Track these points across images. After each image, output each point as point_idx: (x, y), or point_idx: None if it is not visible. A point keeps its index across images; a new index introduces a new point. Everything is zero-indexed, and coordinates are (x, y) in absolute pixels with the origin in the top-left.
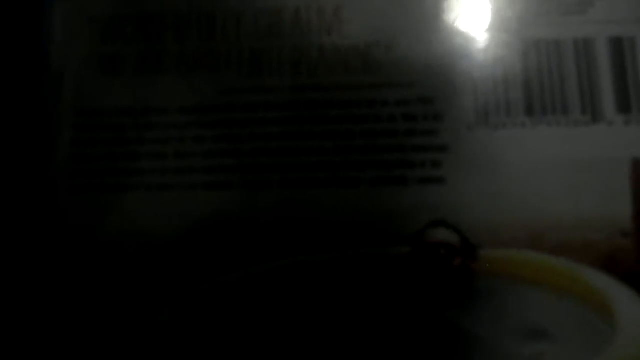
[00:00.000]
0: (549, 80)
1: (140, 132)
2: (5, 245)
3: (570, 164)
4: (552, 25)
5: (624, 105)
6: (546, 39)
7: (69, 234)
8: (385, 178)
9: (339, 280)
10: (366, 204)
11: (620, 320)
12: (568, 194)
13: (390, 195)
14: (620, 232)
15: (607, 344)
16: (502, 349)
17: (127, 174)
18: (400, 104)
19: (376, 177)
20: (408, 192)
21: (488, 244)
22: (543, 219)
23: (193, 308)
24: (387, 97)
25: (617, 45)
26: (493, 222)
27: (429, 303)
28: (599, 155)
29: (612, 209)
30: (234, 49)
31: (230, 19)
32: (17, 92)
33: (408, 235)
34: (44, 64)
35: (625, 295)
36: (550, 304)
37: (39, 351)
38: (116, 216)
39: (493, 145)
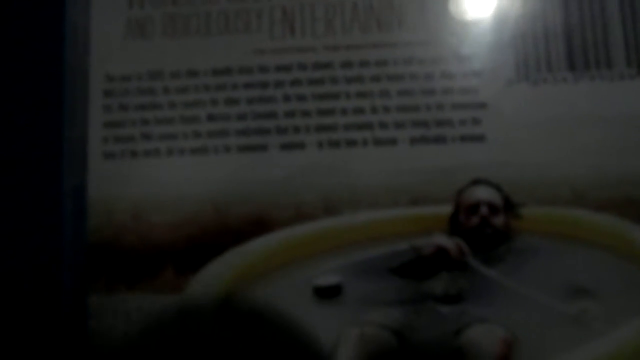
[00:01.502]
0: (591, 32)
1: (172, 95)
2: (36, 215)
3: (614, 119)
4: None
5: None
6: None
7: (103, 200)
8: (424, 137)
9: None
10: (405, 163)
11: None
12: (611, 150)
13: (430, 154)
14: None
15: None
16: (545, 306)
17: (160, 139)
18: (437, 61)
19: (414, 136)
20: (448, 151)
21: (530, 201)
22: (586, 176)
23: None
24: (424, 54)
25: None
26: (535, 180)
27: (470, 263)
28: None
29: None
30: (265, 8)
31: None
32: (44, 62)
33: (448, 195)
34: (70, 30)
35: None
36: (594, 262)
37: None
38: (149, 181)
39: (534, 102)
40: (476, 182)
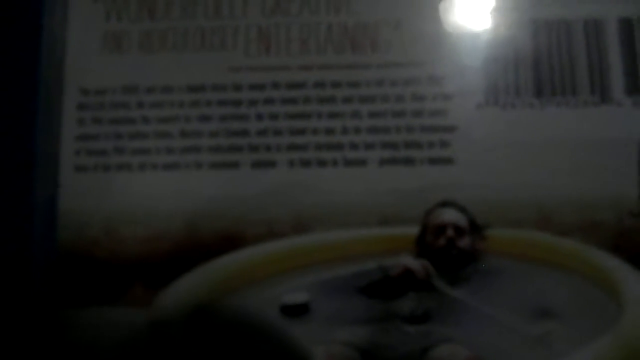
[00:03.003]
0: (558, 60)
1: (146, 110)
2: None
3: (579, 144)
4: (562, 5)
5: (632, 87)
6: (557, 19)
7: (74, 213)
8: (394, 158)
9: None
10: (374, 183)
11: (627, 300)
12: (576, 175)
13: (399, 175)
14: (629, 213)
15: (614, 323)
16: (510, 327)
17: (133, 153)
18: (409, 84)
19: (384, 157)
20: (416, 172)
21: (496, 223)
22: (551, 200)
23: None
24: (396, 76)
25: (627, 26)
26: (502, 202)
27: (435, 284)
28: (607, 135)
29: (621, 189)
30: (241, 26)
31: None
32: (18, 73)
33: (416, 216)
34: (46, 42)
35: (633, 276)
36: (558, 284)
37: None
38: (121, 195)
39: (502, 125)
40: (443, 204)
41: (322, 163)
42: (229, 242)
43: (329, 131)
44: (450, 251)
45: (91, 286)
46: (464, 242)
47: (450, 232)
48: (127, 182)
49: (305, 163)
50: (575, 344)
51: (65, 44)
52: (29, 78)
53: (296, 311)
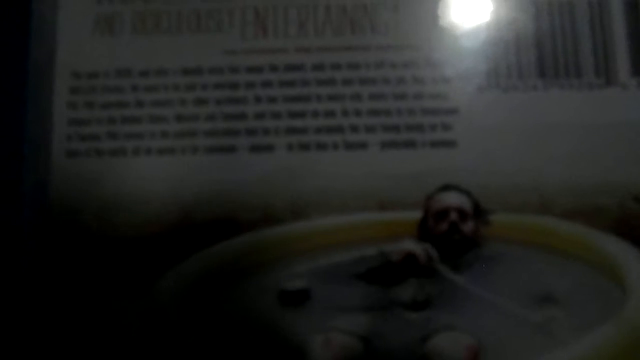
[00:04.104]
0: (562, 42)
1: (139, 94)
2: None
3: (583, 127)
4: None
5: (638, 68)
6: (559, 0)
7: (66, 199)
8: (395, 141)
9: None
10: (375, 167)
11: (630, 286)
12: (580, 158)
13: (400, 159)
14: (632, 197)
15: (618, 309)
16: (512, 314)
17: (126, 138)
18: (409, 66)
19: (385, 141)
20: (418, 156)
21: (499, 208)
22: (553, 184)
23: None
24: (396, 59)
25: (633, 6)
26: (504, 186)
27: (438, 269)
28: (612, 119)
29: (625, 173)
30: (237, 8)
31: None
32: (7, 56)
33: (418, 200)
34: (36, 25)
35: (637, 260)
36: (561, 270)
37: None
38: (114, 181)
39: (504, 108)
40: (446, 187)
41: (321, 146)
42: (226, 228)
43: (329, 114)
44: (453, 236)
45: (83, 274)
46: (467, 226)
47: (453, 216)
48: (120, 167)
49: (305, 147)
50: (578, 331)
51: (56, 27)
52: (19, 62)
53: (295, 297)
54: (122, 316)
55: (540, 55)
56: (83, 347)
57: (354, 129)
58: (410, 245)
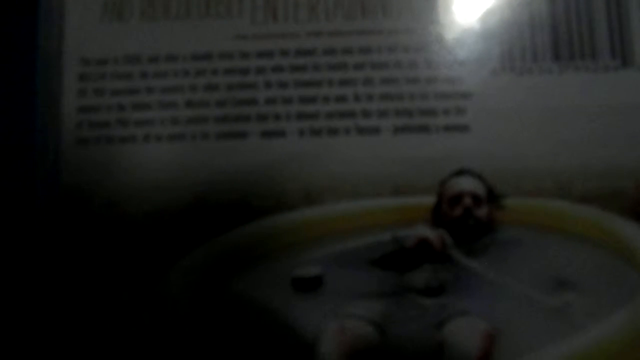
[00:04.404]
0: (577, 23)
1: (149, 80)
2: (10, 196)
3: (599, 110)
4: None
5: None
6: None
7: (76, 187)
8: (408, 126)
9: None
10: (388, 152)
11: None
12: (596, 141)
13: (413, 144)
14: None
15: (635, 294)
16: (528, 299)
17: (136, 125)
18: (421, 50)
19: (398, 125)
20: (431, 140)
21: (513, 192)
22: (570, 167)
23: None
24: (408, 42)
25: None
26: (518, 171)
27: (452, 255)
28: (628, 100)
29: None
30: None
31: None
32: (16, 43)
33: (431, 185)
34: (44, 11)
35: None
36: (578, 254)
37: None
38: (125, 168)
39: (519, 92)
40: (459, 172)
41: (333, 132)
42: (238, 214)
43: (341, 99)
44: (467, 221)
45: (96, 262)
46: (482, 211)
47: (467, 201)
48: (131, 154)
49: (316, 132)
50: (596, 316)
51: (64, 13)
52: (28, 49)
53: (309, 284)
54: (135, 304)
55: (555, 37)
56: (94, 335)
57: (366, 113)
58: (424, 231)
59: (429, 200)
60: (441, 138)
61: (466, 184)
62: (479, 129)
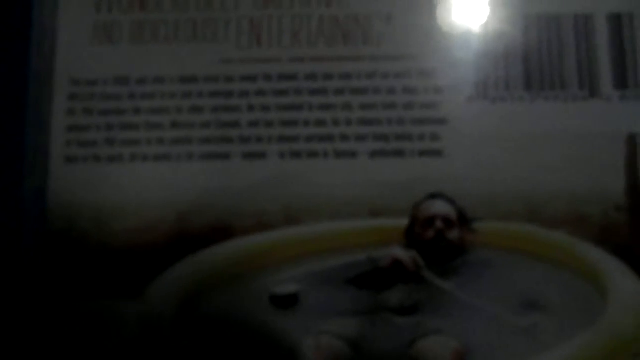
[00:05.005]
0: (548, 55)
1: (136, 101)
2: None
3: (567, 138)
4: (553, 1)
5: (620, 81)
6: (548, 14)
7: (64, 204)
8: (384, 150)
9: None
10: (365, 175)
11: (612, 293)
12: (564, 168)
13: (389, 167)
14: (615, 207)
15: (599, 316)
16: (498, 319)
17: (123, 145)
18: (400, 77)
19: (375, 150)
20: (406, 164)
21: (486, 216)
22: (539, 193)
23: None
24: (387, 69)
25: (616, 22)
26: (491, 195)
27: (425, 276)
28: (595, 130)
29: (607, 183)
30: (232, 18)
31: None
32: (8, 63)
33: (406, 208)
34: (37, 32)
35: (618, 269)
36: (545, 277)
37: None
38: (112, 187)
39: (492, 119)
40: (432, 196)
41: (313, 154)
42: (220, 233)
43: (320, 123)
44: (439, 243)
45: (81, 278)
46: (453, 234)
47: (439, 224)
48: (117, 173)
49: (296, 154)
50: (562, 336)
51: (56, 34)
52: (19, 68)
53: (286, 302)
54: (118, 320)
55: (527, 67)
56: (78, 349)
57: (345, 137)
58: (398, 252)
59: (404, 222)
60: (416, 162)
61: (439, 207)
62: (453, 154)
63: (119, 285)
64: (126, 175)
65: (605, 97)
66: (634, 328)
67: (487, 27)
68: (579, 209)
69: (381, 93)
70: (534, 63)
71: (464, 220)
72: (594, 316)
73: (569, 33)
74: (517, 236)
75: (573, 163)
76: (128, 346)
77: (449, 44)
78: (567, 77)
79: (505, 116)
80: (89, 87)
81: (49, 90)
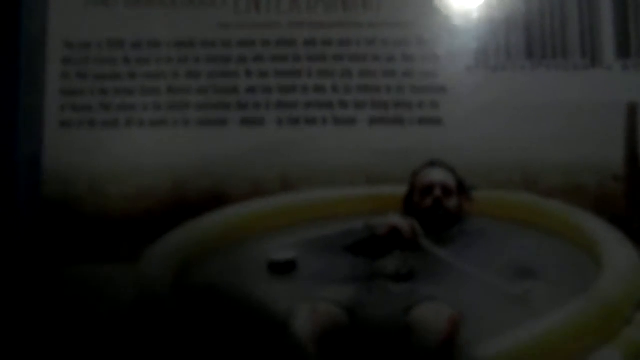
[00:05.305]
0: (550, 23)
1: (132, 66)
2: None
3: (568, 107)
4: None
5: (623, 50)
6: None
7: (59, 169)
8: (383, 118)
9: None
10: (363, 143)
11: (606, 261)
12: (563, 138)
13: (388, 135)
14: (612, 176)
15: (593, 283)
16: (492, 286)
17: (119, 109)
18: (399, 44)
19: (374, 117)
20: (405, 132)
21: (483, 185)
22: (537, 162)
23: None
24: (387, 36)
25: None
26: (489, 164)
27: (422, 243)
28: (596, 99)
29: (606, 153)
30: None
31: None
32: (0, 27)
33: (404, 176)
34: None
35: (613, 238)
36: (540, 245)
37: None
38: (107, 152)
39: (491, 88)
40: (431, 164)
41: (311, 121)
42: (216, 199)
43: (319, 89)
44: (437, 211)
45: (76, 243)
46: (451, 202)
47: (437, 192)
48: (113, 138)
49: (294, 121)
50: (555, 303)
51: None
52: (12, 32)
53: (283, 268)
54: (113, 286)
55: (529, 35)
56: (72, 316)
57: (343, 104)
58: (395, 219)
59: (402, 190)
60: (415, 130)
61: (437, 175)
62: (452, 122)
63: (115, 251)
64: (121, 140)
65: (607, 66)
66: (626, 294)
67: None
68: (577, 179)
69: (380, 60)
70: (536, 31)
71: (462, 188)
72: (588, 284)
73: (572, 0)
74: (513, 205)
75: (572, 133)
76: (123, 312)
77: (449, 11)
78: (569, 46)
79: (505, 85)
80: (83, 51)
81: (42, 54)
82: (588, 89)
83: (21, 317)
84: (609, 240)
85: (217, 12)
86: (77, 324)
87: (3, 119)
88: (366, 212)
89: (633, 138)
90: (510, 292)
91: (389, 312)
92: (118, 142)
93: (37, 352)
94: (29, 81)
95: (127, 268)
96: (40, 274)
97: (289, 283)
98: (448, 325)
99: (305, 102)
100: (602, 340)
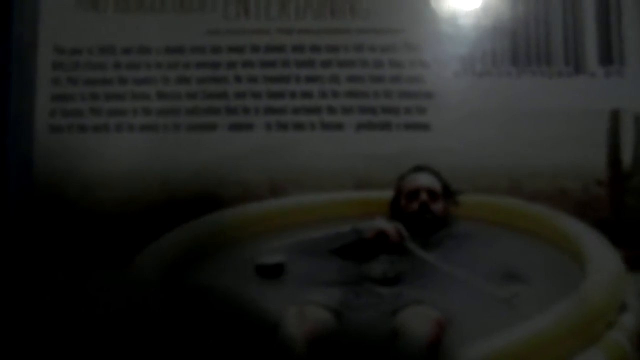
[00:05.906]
0: (535, 30)
1: (122, 71)
2: None
3: (552, 113)
4: None
5: (605, 57)
6: None
7: (50, 173)
8: (370, 123)
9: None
10: (351, 148)
11: (589, 265)
12: (547, 143)
13: (375, 140)
14: (596, 181)
15: (576, 286)
16: (478, 290)
17: (109, 114)
18: (387, 50)
19: (361, 122)
20: (392, 138)
21: (469, 189)
22: (522, 167)
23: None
24: (374, 42)
25: None
26: (474, 168)
27: (408, 247)
28: (579, 105)
29: (589, 158)
30: None
31: None
32: None
33: (391, 180)
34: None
35: (597, 242)
36: (526, 249)
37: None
38: (97, 157)
39: (478, 93)
40: (417, 168)
41: (299, 126)
42: (205, 204)
43: (307, 95)
44: (424, 215)
45: (67, 248)
46: (437, 206)
47: (423, 196)
48: (103, 143)
49: (283, 126)
50: (540, 306)
51: (39, 1)
52: (3, 36)
53: (271, 272)
54: (104, 289)
55: (514, 43)
56: (64, 319)
57: (331, 110)
58: (382, 223)
59: (389, 194)
60: (402, 135)
61: (423, 179)
62: (438, 127)
63: (105, 255)
64: (112, 145)
65: (591, 73)
66: (609, 298)
67: (474, 2)
68: (561, 184)
69: (368, 66)
70: (521, 38)
71: (447, 193)
72: (572, 287)
73: (557, 8)
74: (499, 209)
75: (556, 139)
76: (114, 316)
77: (437, 18)
78: (553, 53)
79: (491, 91)
80: (74, 56)
81: (33, 59)
82: (572, 95)
83: (14, 320)
84: (593, 244)
85: (206, 18)
86: (69, 328)
87: None
88: (354, 216)
89: (616, 143)
90: (496, 295)
91: (376, 315)
92: (108, 147)
93: (31, 355)
94: (20, 86)
95: (118, 272)
96: (31, 278)
97: (278, 286)
98: (434, 329)
99: (294, 108)
100: (586, 343)
